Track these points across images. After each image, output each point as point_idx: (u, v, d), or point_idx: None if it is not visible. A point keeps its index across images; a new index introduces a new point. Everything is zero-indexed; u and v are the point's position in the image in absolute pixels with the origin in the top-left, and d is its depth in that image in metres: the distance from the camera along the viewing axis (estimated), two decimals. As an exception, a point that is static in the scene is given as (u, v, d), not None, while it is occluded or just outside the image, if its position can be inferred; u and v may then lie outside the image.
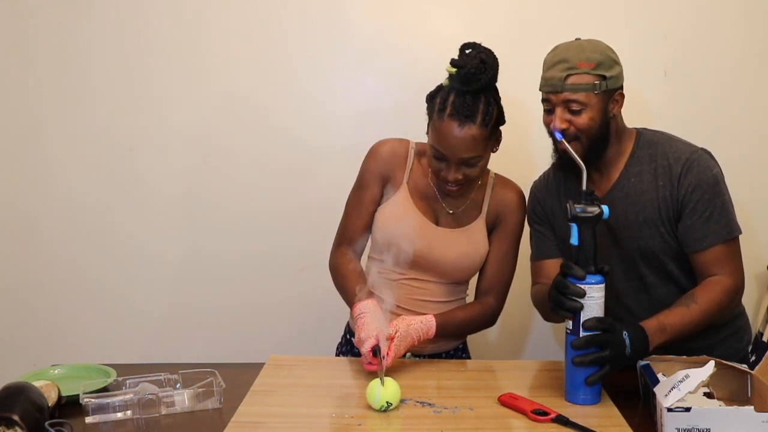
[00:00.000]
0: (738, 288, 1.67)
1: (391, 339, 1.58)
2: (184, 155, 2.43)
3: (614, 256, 1.70)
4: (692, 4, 2.33)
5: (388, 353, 1.55)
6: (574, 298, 1.45)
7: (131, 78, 2.40)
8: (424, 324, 1.67)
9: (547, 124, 1.66)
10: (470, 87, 1.60)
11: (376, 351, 1.54)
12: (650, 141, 1.72)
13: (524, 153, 2.29)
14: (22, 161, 2.45)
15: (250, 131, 2.42)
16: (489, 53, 1.63)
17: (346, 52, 2.38)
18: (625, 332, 1.47)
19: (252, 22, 2.37)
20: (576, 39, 1.67)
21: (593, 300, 1.45)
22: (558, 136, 1.59)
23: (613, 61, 1.64)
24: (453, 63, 1.62)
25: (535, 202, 1.83)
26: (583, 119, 1.60)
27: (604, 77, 1.61)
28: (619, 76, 1.66)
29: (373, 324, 1.59)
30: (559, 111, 1.61)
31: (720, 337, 1.75)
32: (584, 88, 1.59)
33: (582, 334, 1.45)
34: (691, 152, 1.67)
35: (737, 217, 1.68)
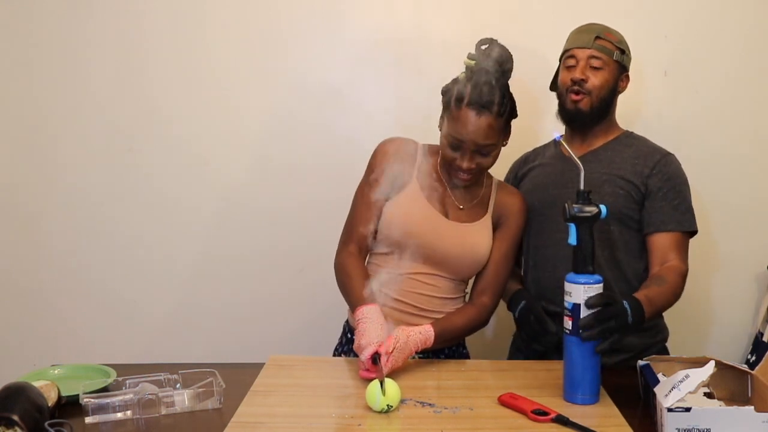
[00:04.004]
0: (685, 278, 1.78)
1: (389, 352, 1.56)
2: (184, 155, 2.43)
3: (559, 212, 1.78)
4: (692, 4, 2.33)
5: (385, 364, 1.54)
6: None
7: (131, 78, 2.40)
8: (423, 335, 1.67)
9: (564, 83, 1.87)
10: (489, 78, 1.67)
11: (375, 359, 1.53)
12: (634, 136, 1.94)
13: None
14: (22, 162, 2.45)
15: (250, 131, 2.43)
16: (505, 48, 1.71)
17: (347, 50, 2.38)
18: (625, 302, 1.52)
19: (252, 22, 2.37)
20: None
21: None
22: (557, 136, 1.65)
23: (628, 48, 1.90)
24: (471, 56, 1.69)
25: (510, 174, 2.06)
26: (599, 78, 1.84)
27: (623, 51, 1.87)
28: (630, 60, 1.90)
29: (374, 331, 1.59)
30: (582, 64, 1.84)
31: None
32: (608, 51, 1.85)
33: (585, 313, 1.45)
34: (668, 152, 1.88)
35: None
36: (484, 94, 1.66)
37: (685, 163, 1.88)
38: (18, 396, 1.32)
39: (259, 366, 1.67)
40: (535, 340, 1.81)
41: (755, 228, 2.39)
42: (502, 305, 1.91)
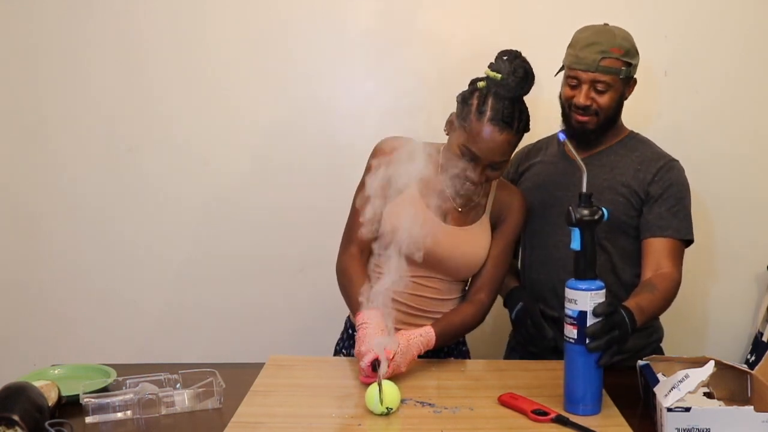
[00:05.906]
0: (679, 286, 1.75)
1: (391, 359, 1.55)
2: (184, 156, 2.43)
3: (559, 213, 1.75)
4: (692, 4, 2.33)
5: (387, 370, 1.52)
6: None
7: (131, 78, 2.40)
8: (424, 336, 1.66)
9: (567, 98, 1.81)
10: (513, 94, 1.62)
11: (375, 366, 1.51)
12: (639, 138, 1.91)
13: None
14: (23, 161, 2.45)
15: (250, 132, 2.43)
16: (529, 64, 1.65)
17: (347, 51, 2.38)
18: (623, 311, 1.49)
19: (252, 22, 2.37)
20: (605, 24, 1.83)
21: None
22: (561, 137, 1.60)
23: (636, 51, 1.82)
24: (495, 68, 1.63)
25: (511, 168, 2.00)
26: (605, 99, 1.78)
27: (629, 64, 1.79)
28: (637, 65, 1.83)
29: (374, 338, 1.57)
30: (585, 88, 1.77)
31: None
32: (613, 71, 1.76)
33: (592, 322, 1.42)
34: (672, 158, 1.85)
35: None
36: (507, 110, 1.61)
37: (684, 163, 1.88)
38: (18, 396, 1.32)
39: (259, 366, 1.67)
40: (531, 343, 1.80)
41: (755, 228, 2.39)
42: (501, 300, 1.90)
